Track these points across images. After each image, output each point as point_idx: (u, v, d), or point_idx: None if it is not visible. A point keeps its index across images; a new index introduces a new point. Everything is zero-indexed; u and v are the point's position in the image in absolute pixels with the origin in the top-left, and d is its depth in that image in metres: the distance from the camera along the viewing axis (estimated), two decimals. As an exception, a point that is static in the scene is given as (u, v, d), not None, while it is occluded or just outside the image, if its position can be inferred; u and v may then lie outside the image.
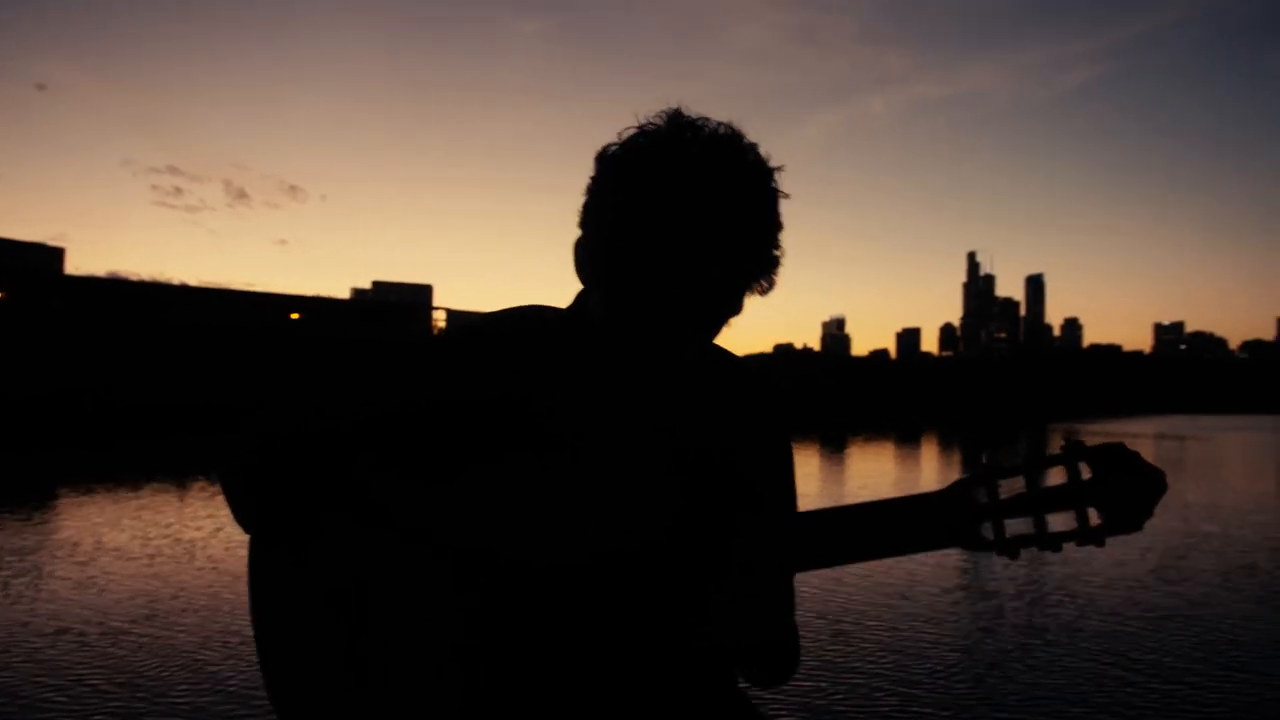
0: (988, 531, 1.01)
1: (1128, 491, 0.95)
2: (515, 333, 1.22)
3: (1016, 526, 1.01)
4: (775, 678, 1.21)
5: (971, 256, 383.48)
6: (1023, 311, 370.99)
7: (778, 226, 1.12)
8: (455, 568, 1.13)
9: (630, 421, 1.19)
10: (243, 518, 1.19)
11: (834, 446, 23.81)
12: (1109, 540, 0.96)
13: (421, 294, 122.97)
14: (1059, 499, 0.98)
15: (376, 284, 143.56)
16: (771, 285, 1.14)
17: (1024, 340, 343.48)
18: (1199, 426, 39.24)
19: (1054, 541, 0.98)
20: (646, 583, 1.12)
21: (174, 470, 15.01)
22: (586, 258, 1.15)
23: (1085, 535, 0.97)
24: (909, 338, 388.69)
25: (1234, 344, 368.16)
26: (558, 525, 1.12)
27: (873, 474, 16.71)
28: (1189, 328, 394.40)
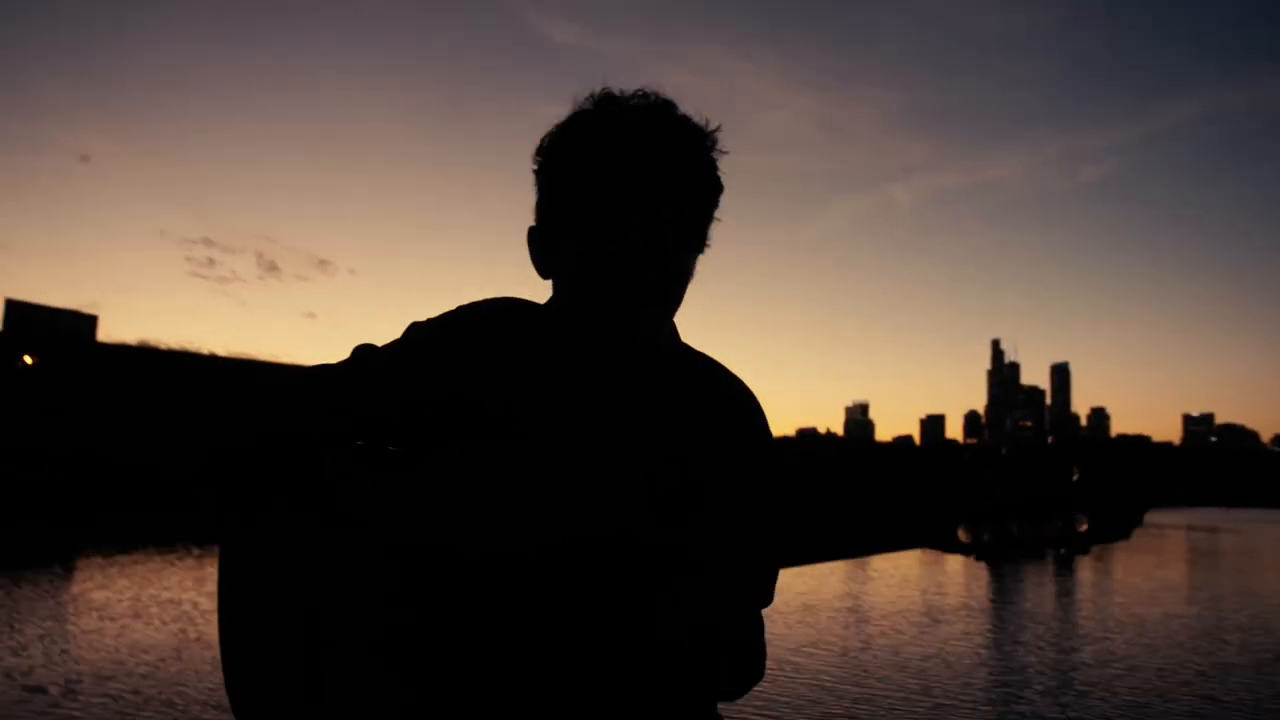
0: (964, 535, 0.96)
1: (1112, 518, 0.90)
2: (474, 328, 1.22)
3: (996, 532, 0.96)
4: (732, 682, 1.15)
5: (996, 344, 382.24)
6: (1048, 400, 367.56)
7: (706, 181, 1.12)
8: (407, 567, 1.11)
9: (587, 411, 1.17)
10: (211, 519, 1.18)
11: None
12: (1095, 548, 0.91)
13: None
14: (1044, 503, 0.92)
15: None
16: (704, 243, 1.14)
17: (1050, 429, 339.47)
18: (1232, 519, 38.38)
19: (1035, 549, 0.92)
20: (600, 578, 1.09)
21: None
22: (534, 245, 1.17)
23: (1069, 543, 0.91)
24: (934, 424, 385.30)
25: (1266, 437, 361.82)
26: (506, 515, 1.09)
27: (899, 563, 16.39)
28: (1219, 419, 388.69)
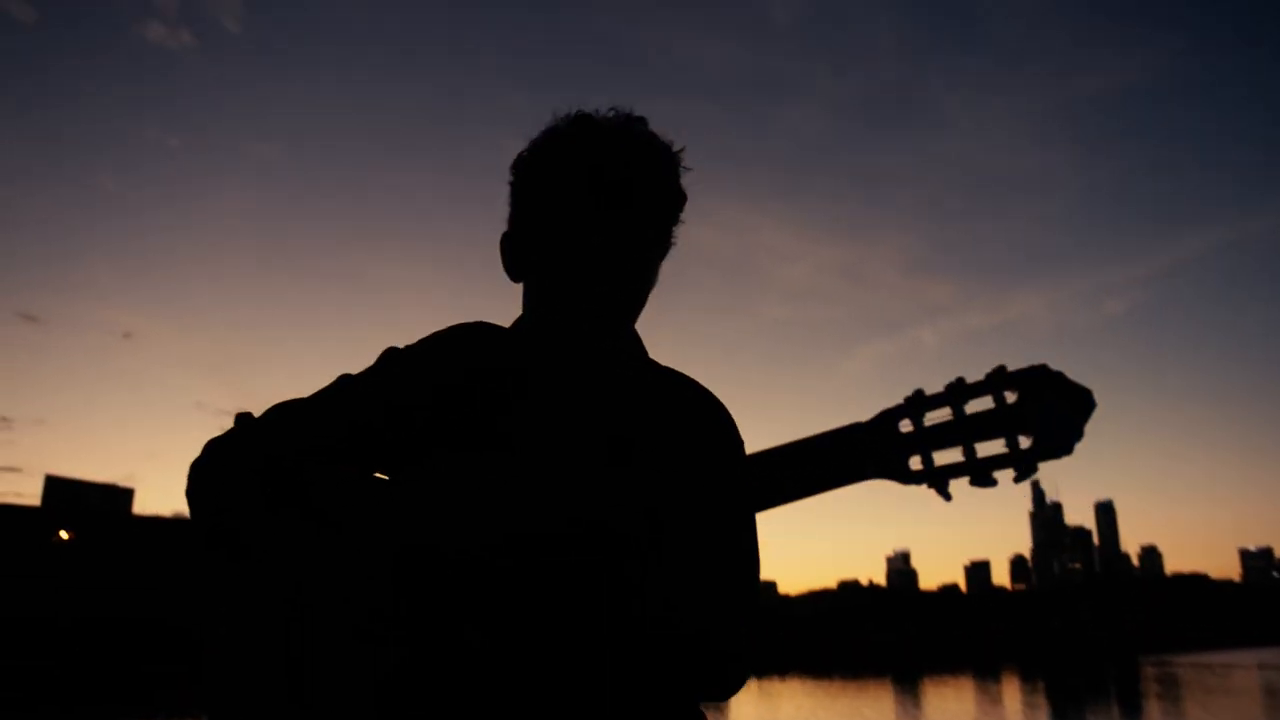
0: (916, 464, 0.98)
1: (1055, 413, 0.91)
2: (451, 340, 1.25)
3: (946, 458, 0.97)
4: (715, 683, 1.13)
5: (1035, 484, 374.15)
6: (1096, 540, 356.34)
7: (673, 190, 1.19)
8: (392, 569, 1.09)
9: (563, 411, 1.17)
10: (198, 522, 1.18)
11: (908, 686, 22.41)
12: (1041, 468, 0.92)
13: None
14: (987, 426, 0.95)
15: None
16: (670, 245, 1.21)
17: (1100, 570, 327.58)
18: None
19: (983, 470, 0.95)
20: (577, 570, 1.07)
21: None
22: (507, 250, 1.23)
23: (1015, 460, 0.94)
24: (979, 571, 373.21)
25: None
26: (485, 509, 1.08)
27: (955, 715, 15.55)
28: (1279, 553, 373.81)
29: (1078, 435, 0.91)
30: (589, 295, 1.15)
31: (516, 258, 1.23)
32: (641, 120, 1.19)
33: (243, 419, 1.22)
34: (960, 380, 0.95)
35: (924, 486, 0.96)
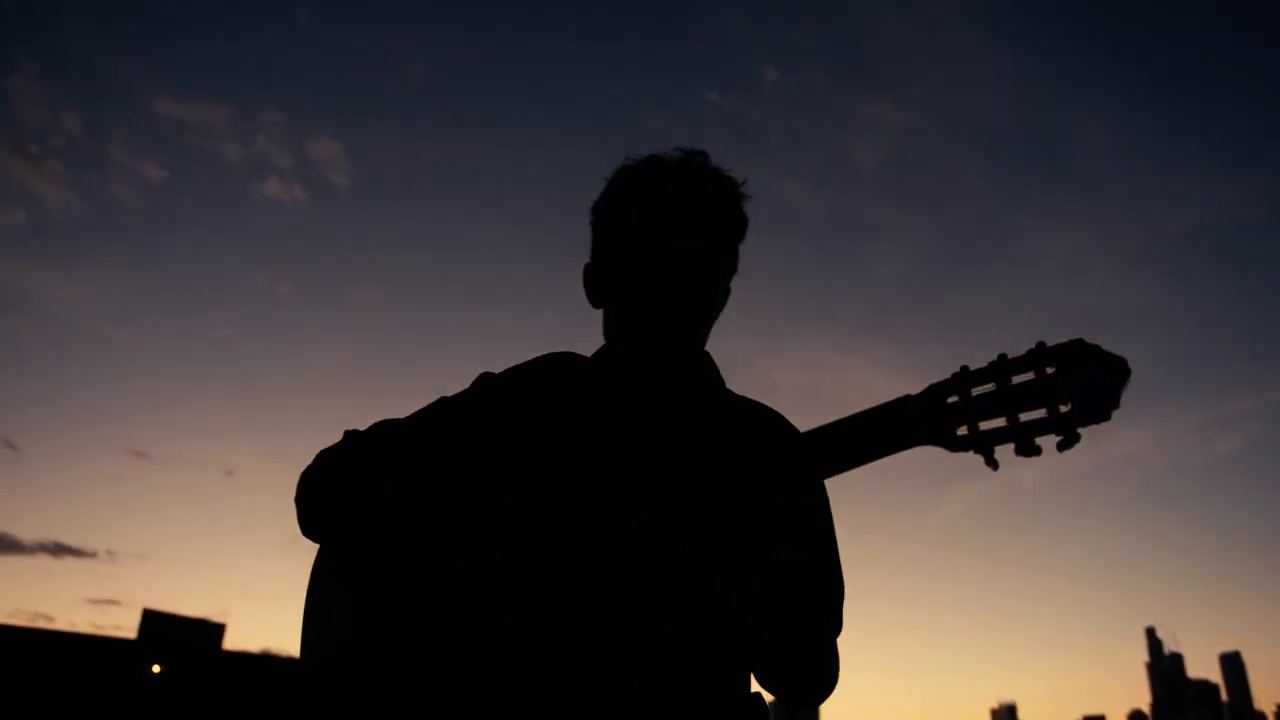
0: (963, 432, 1.02)
1: (1093, 382, 0.95)
2: (540, 364, 1.36)
3: (991, 426, 1.01)
4: (799, 688, 1.18)
5: (1151, 633, 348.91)
6: (1224, 695, 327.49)
7: (738, 217, 1.29)
8: (455, 580, 1.16)
9: (632, 424, 1.25)
10: (305, 519, 1.29)
11: None
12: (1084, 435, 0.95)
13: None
14: (1029, 396, 0.99)
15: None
16: (735, 267, 1.31)
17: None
18: None
19: (1026, 435, 0.99)
20: (614, 568, 1.11)
21: None
22: (589, 279, 1.34)
23: (1056, 425, 0.97)
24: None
25: None
26: (545, 504, 1.14)
27: None
28: None
29: (1115, 403, 0.96)
30: (659, 320, 1.24)
31: (596, 287, 1.34)
32: (703, 155, 1.28)
33: (350, 434, 1.32)
34: (1003, 355, 1.02)
35: (971, 453, 1.02)
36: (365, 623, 1.20)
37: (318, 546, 1.32)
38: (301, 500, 1.30)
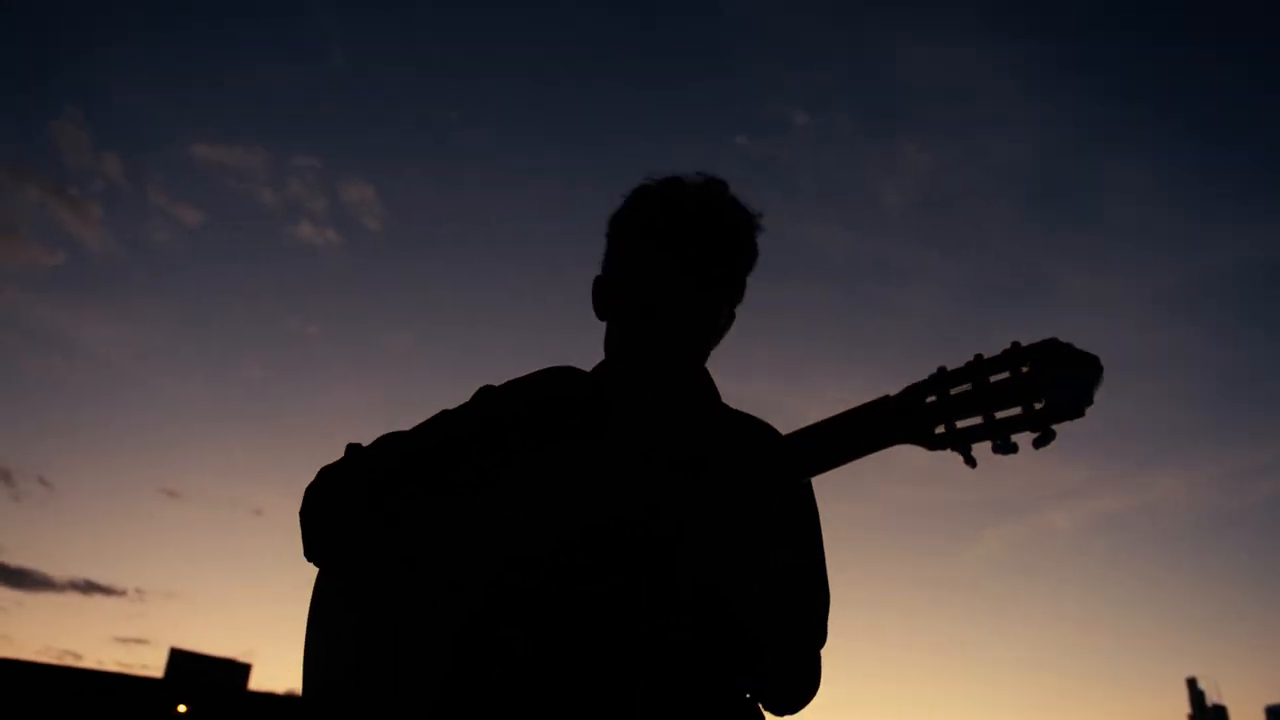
0: (940, 431, 1.04)
1: (1066, 379, 0.97)
2: (539, 377, 1.39)
3: (968, 424, 1.03)
4: (783, 695, 1.19)
5: (1193, 684, 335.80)
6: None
7: (749, 247, 1.30)
8: (454, 589, 1.17)
9: (626, 435, 1.27)
10: (308, 534, 1.29)
11: None
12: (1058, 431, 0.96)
13: None
14: (1005, 394, 1.01)
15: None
16: (741, 296, 1.32)
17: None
18: None
19: (1002, 431, 1.01)
20: (630, 584, 1.13)
21: None
22: (598, 290, 1.37)
23: (1031, 422, 0.99)
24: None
25: None
26: (546, 511, 1.16)
27: None
28: None
29: (1088, 399, 0.97)
30: (663, 341, 1.26)
31: (603, 300, 1.36)
32: (722, 184, 1.30)
33: (352, 448, 1.33)
34: (979, 356, 1.04)
35: (948, 451, 1.04)
36: (369, 642, 1.21)
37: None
38: (305, 518, 1.31)
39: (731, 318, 1.36)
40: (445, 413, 1.37)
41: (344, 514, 1.26)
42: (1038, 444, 1.01)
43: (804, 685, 1.23)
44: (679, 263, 1.25)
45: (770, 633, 1.16)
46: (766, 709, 1.25)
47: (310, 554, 1.30)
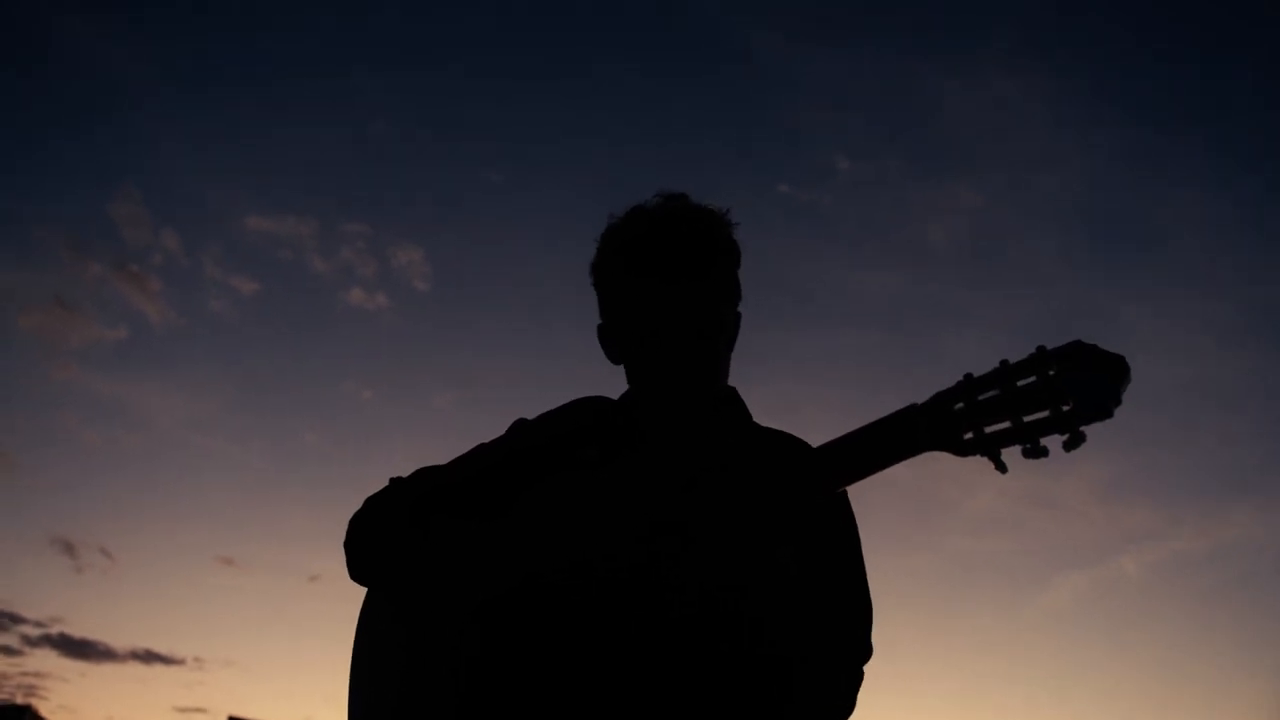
0: (970, 436, 1.05)
1: (1094, 380, 0.98)
2: (571, 407, 1.42)
3: (997, 429, 1.04)
4: (825, 709, 1.20)
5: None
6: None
7: (726, 246, 1.31)
8: (478, 616, 1.21)
9: (653, 453, 1.30)
10: (353, 561, 1.36)
11: None
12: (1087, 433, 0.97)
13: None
14: (1032, 399, 1.02)
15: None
16: (738, 294, 1.34)
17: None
18: None
19: (1031, 435, 1.01)
20: (647, 600, 1.14)
21: None
22: (603, 339, 1.39)
23: (1060, 424, 0.99)
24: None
25: None
26: (572, 530, 1.19)
27: None
28: None
29: (1116, 400, 0.97)
30: (668, 358, 1.26)
31: (609, 344, 1.39)
32: (682, 196, 1.31)
33: (394, 480, 1.39)
34: (1005, 361, 1.04)
35: (979, 457, 1.01)
36: (413, 668, 1.26)
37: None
38: (350, 545, 1.36)
39: (737, 319, 1.37)
40: (480, 446, 1.42)
41: (386, 532, 1.33)
42: (1068, 446, 0.99)
43: (837, 698, 1.23)
44: (655, 275, 1.26)
45: (794, 649, 1.17)
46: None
47: (354, 573, 1.37)
